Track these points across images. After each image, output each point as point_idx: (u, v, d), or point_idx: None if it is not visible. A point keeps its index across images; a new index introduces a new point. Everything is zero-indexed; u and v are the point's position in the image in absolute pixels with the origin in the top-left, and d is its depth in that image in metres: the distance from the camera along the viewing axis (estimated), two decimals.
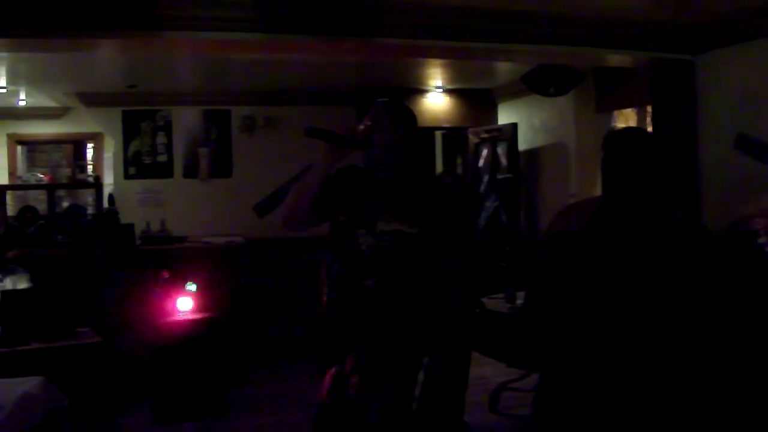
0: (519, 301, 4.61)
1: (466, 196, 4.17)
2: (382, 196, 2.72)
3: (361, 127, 2.74)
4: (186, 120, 7.08)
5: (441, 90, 7.24)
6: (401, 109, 2.86)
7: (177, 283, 5.21)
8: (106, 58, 5.32)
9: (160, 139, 7.04)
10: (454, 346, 2.71)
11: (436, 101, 7.32)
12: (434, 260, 2.71)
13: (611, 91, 5.96)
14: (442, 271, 2.71)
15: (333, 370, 2.65)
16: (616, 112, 6.19)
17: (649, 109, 5.42)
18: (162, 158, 7.05)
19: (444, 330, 2.69)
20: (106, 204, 6.56)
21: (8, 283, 4.98)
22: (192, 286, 5.17)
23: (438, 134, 8.46)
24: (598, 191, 3.35)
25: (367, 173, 2.80)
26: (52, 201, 6.57)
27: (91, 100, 6.86)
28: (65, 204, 6.93)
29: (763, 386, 2.18)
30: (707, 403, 1.76)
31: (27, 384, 3.34)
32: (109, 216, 6.32)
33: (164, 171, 7.04)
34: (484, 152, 7.19)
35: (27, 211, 6.23)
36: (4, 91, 6.17)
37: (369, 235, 2.67)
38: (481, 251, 4.58)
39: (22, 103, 6.96)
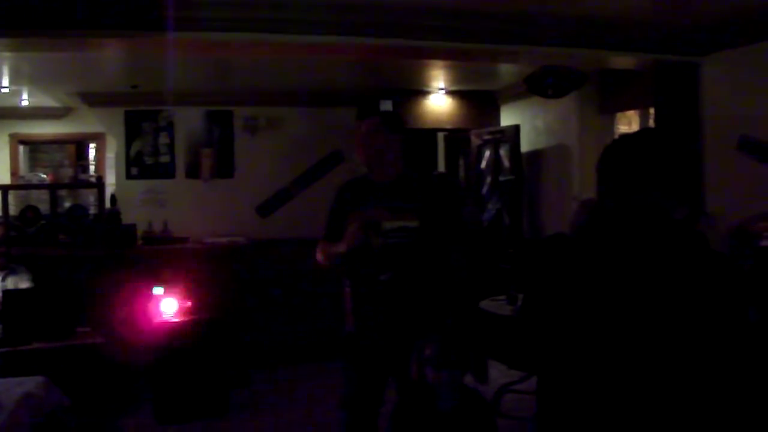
0: (520, 303, 4.59)
1: (455, 187, 4.46)
2: (383, 198, 3.02)
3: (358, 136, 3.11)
4: (188, 120, 7.07)
5: (444, 91, 7.22)
6: (393, 118, 3.25)
7: (177, 285, 5.22)
8: (109, 59, 5.32)
9: (163, 139, 7.04)
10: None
11: (438, 103, 7.31)
12: (439, 247, 3.03)
13: (614, 92, 5.95)
14: (447, 256, 3.04)
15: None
16: (619, 114, 6.17)
17: (652, 111, 5.41)
18: (164, 158, 7.04)
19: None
20: (108, 204, 6.55)
21: (10, 283, 4.98)
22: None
23: (440, 136, 8.44)
24: None
25: (367, 180, 3.12)
26: (54, 201, 6.55)
27: (94, 100, 6.86)
28: (67, 204, 6.92)
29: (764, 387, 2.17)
30: (706, 404, 1.76)
31: (28, 384, 3.34)
32: (111, 216, 6.32)
33: (166, 171, 7.04)
34: (487, 154, 7.18)
35: (28, 211, 6.22)
36: (7, 91, 6.17)
37: (377, 236, 2.97)
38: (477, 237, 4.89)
39: (24, 103, 6.96)
